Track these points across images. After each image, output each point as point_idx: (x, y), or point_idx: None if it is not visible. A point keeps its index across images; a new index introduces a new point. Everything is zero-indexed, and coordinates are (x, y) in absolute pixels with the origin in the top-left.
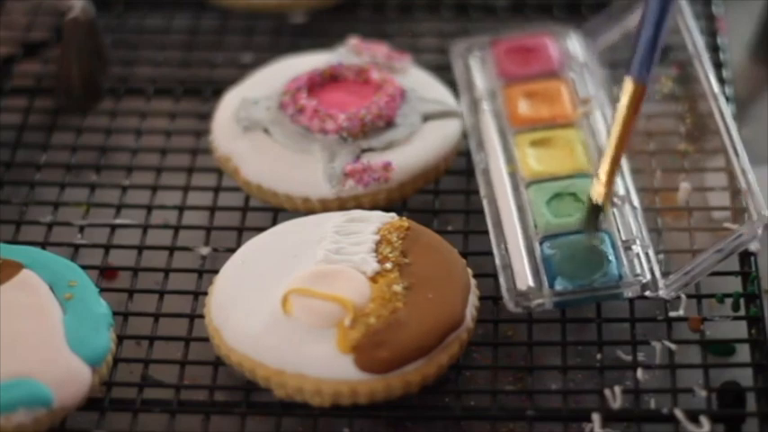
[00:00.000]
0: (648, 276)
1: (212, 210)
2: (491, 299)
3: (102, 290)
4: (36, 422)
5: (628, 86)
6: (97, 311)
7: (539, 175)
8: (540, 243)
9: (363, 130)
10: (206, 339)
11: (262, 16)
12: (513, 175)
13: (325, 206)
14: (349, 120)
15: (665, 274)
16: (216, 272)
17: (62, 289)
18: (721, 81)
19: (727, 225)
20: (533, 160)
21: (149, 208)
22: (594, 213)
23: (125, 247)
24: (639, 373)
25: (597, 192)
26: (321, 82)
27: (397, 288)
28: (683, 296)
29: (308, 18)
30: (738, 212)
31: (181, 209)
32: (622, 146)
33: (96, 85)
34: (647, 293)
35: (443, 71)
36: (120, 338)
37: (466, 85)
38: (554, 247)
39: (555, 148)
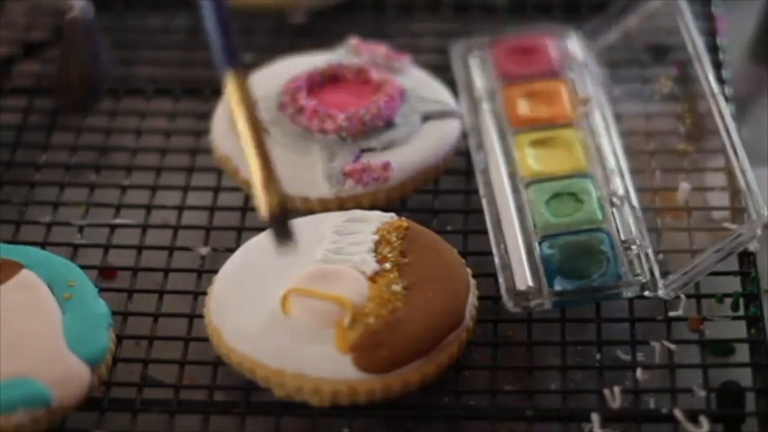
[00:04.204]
0: (648, 276)
1: (212, 210)
2: (490, 299)
3: (102, 290)
4: (35, 422)
5: (229, 79)
6: (96, 311)
7: (538, 174)
8: (540, 243)
9: (363, 130)
10: (205, 339)
11: (261, 16)
12: (513, 174)
13: (325, 206)
14: (348, 120)
15: (664, 274)
16: (215, 272)
17: (61, 289)
18: (721, 81)
19: (726, 225)
20: (533, 160)
21: (149, 208)
22: (277, 226)
23: (124, 246)
24: (639, 372)
25: (262, 204)
26: (321, 82)
27: (397, 288)
28: (682, 296)
29: (308, 18)
30: (738, 212)
31: (180, 209)
32: (260, 139)
33: (96, 85)
34: (647, 293)
35: (443, 71)
36: (120, 338)
37: (465, 85)
38: (553, 247)
39: (554, 148)
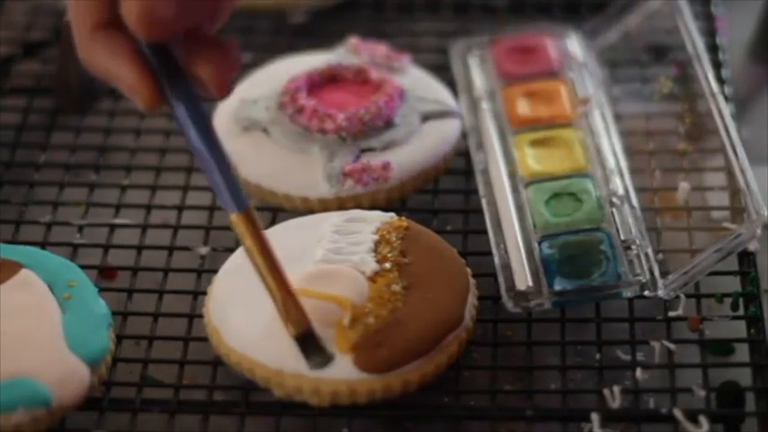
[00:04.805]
0: (647, 276)
1: (211, 209)
2: (490, 299)
3: (102, 289)
4: (35, 422)
5: (234, 221)
6: (96, 311)
7: (538, 174)
8: (539, 243)
9: (362, 129)
10: (205, 339)
11: (261, 16)
12: (513, 174)
13: (325, 206)
14: (348, 120)
15: (664, 274)
16: (215, 272)
17: (61, 289)
18: (720, 81)
19: (726, 225)
20: (532, 160)
21: (148, 208)
22: (306, 344)
23: (124, 246)
24: (638, 372)
25: (289, 324)
26: (320, 82)
27: (396, 288)
28: (682, 296)
29: (308, 18)
30: (737, 212)
31: (180, 208)
32: (274, 271)
33: (95, 85)
34: (647, 293)
35: (443, 71)
36: (120, 338)
37: (465, 84)
38: (553, 247)
39: (554, 148)
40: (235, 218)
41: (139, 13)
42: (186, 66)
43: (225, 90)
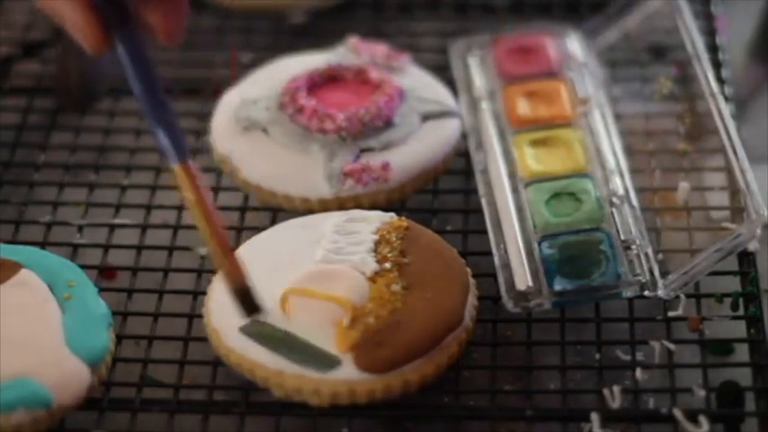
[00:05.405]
0: (647, 276)
1: None
2: (490, 299)
3: (102, 290)
4: (35, 422)
5: (176, 172)
6: (96, 311)
7: (538, 174)
8: (539, 243)
9: (362, 129)
10: (205, 339)
11: (261, 16)
12: (512, 174)
13: (325, 206)
14: (348, 119)
15: (663, 274)
16: (215, 272)
17: (61, 289)
18: (720, 81)
19: (725, 225)
20: (532, 160)
21: (148, 208)
22: (243, 298)
23: (124, 246)
24: (638, 372)
25: (226, 277)
26: (320, 82)
27: (396, 288)
28: (681, 296)
29: (307, 18)
30: (737, 212)
31: (180, 208)
32: (212, 224)
33: (95, 85)
34: (646, 293)
35: (442, 71)
36: (119, 338)
37: (465, 84)
38: (553, 247)
39: (554, 148)
40: (177, 169)
41: None
42: (135, 13)
43: (175, 38)
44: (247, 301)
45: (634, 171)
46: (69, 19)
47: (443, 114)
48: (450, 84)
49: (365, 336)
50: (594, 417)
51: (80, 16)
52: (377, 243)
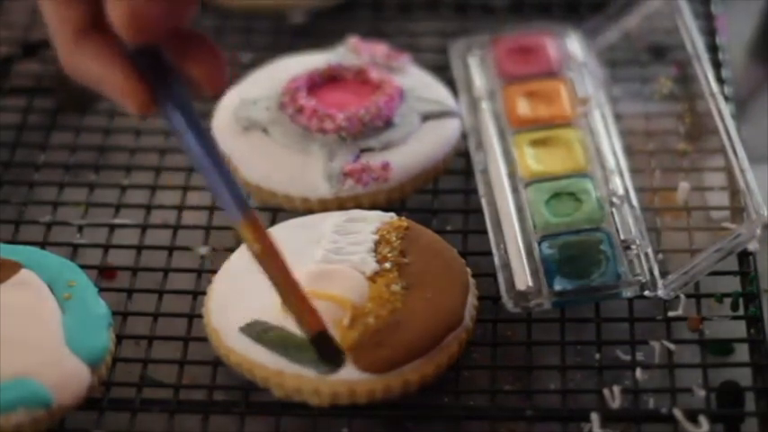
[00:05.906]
0: (647, 276)
1: (211, 209)
2: (490, 299)
3: (102, 290)
4: (35, 422)
5: (241, 228)
6: (96, 311)
7: (538, 174)
8: (539, 243)
9: (362, 129)
10: (205, 339)
11: (261, 16)
12: (512, 174)
13: (324, 206)
14: (348, 119)
15: (663, 274)
16: (215, 272)
17: (61, 289)
18: (720, 81)
19: (725, 225)
20: (532, 160)
21: (148, 208)
22: (322, 346)
23: (124, 246)
24: (638, 372)
25: (304, 327)
26: (320, 82)
27: (396, 288)
28: (681, 296)
29: (307, 18)
30: (737, 212)
31: (180, 208)
32: (284, 273)
33: None
34: (646, 293)
35: (442, 71)
36: (119, 338)
37: (465, 84)
38: (553, 247)
39: (554, 148)
40: (241, 224)
41: (127, 15)
42: (178, 67)
43: (221, 88)
44: (326, 347)
45: (634, 171)
46: (110, 83)
47: (443, 114)
48: (451, 84)
49: (365, 336)
50: (594, 417)
51: (124, 79)
52: (377, 243)
